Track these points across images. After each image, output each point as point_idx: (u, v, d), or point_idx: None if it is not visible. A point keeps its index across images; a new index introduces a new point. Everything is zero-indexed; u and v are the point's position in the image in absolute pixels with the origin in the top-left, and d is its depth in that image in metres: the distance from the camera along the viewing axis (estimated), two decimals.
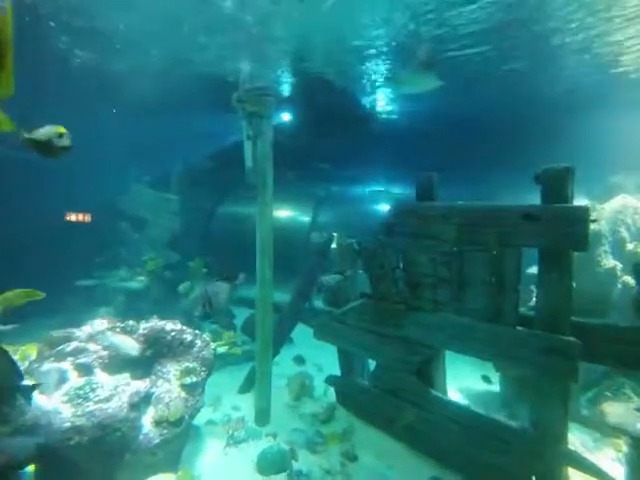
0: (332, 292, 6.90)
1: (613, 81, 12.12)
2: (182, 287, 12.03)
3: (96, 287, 12.98)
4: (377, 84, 13.78)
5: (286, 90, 14.43)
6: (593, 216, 4.97)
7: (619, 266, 8.80)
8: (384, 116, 17.41)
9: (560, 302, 4.87)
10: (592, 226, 8.05)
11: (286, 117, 17.62)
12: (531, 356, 4.94)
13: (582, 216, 4.55)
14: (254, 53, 10.67)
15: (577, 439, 6.76)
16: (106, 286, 13.08)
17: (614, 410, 6.76)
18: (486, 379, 9.38)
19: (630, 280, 8.59)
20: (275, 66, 12.21)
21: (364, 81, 13.50)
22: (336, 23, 9.36)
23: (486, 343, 5.29)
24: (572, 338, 4.73)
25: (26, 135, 3.61)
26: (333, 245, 7.50)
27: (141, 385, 5.37)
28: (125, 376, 5.41)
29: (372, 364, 7.10)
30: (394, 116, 17.42)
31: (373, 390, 6.90)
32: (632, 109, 13.05)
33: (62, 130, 3.67)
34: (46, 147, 3.62)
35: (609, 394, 7.35)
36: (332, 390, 7.87)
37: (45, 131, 3.63)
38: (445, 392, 6.45)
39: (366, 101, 15.68)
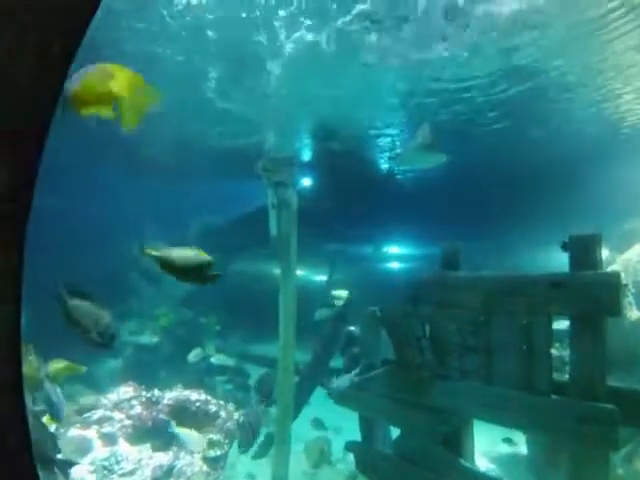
0: (354, 358, 6.81)
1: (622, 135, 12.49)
2: (193, 355, 11.65)
3: None
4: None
5: (307, 155, 14.85)
6: (623, 280, 4.99)
7: None
8: (401, 176, 17.80)
9: (595, 368, 4.79)
10: None
11: (307, 182, 17.88)
12: (567, 425, 4.77)
13: (614, 282, 4.53)
14: (279, 124, 11.08)
15: None
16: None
17: None
18: (508, 441, 9.07)
19: None
20: (297, 136, 12.64)
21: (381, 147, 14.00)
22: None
23: (519, 413, 5.15)
24: (610, 405, 4.59)
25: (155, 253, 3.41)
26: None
27: (164, 458, 5.24)
28: (147, 447, 5.29)
29: (394, 431, 6.90)
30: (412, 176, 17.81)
31: (396, 459, 6.65)
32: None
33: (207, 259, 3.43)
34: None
35: None
36: (351, 456, 7.60)
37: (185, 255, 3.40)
38: (473, 461, 6.21)
39: (384, 163, 16.11)
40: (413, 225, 17.58)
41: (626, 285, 8.64)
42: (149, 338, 13.31)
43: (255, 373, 11.30)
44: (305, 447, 8.23)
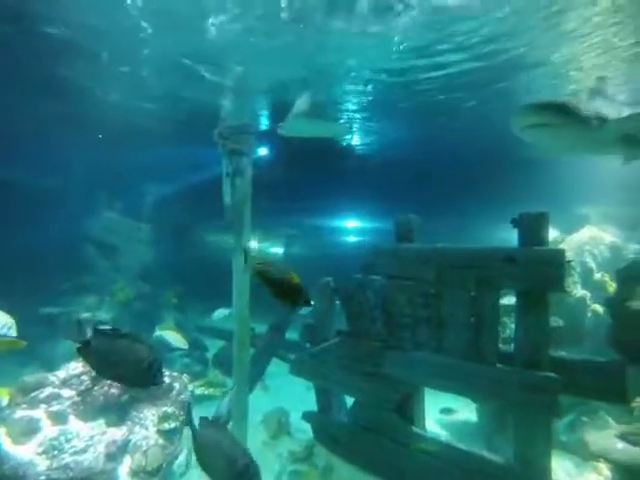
0: (309, 329, 6.86)
1: None
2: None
3: (60, 316, 12.38)
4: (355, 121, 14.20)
5: (263, 124, 14.56)
6: (567, 256, 5.18)
7: (588, 295, 9.13)
8: (360, 151, 17.78)
9: (539, 339, 5.00)
10: None
11: (263, 151, 17.65)
12: (512, 393, 5.01)
13: (559, 258, 4.70)
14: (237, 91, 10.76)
15: (559, 466, 6.86)
16: (70, 314, 12.54)
17: (595, 438, 6.94)
18: (447, 411, 9.44)
19: (599, 308, 8.95)
20: (253, 100, 12.34)
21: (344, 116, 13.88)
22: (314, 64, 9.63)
23: (466, 381, 5.35)
24: (552, 374, 4.84)
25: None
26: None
27: (117, 433, 5.17)
28: (100, 423, 5.20)
29: (350, 400, 7.07)
30: (370, 151, 17.80)
31: (352, 427, 6.83)
32: None
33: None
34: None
35: (586, 419, 7.56)
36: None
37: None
38: (424, 427, 6.46)
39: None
40: (371, 199, 17.69)
41: (571, 262, 9.02)
42: (106, 314, 12.98)
43: (212, 347, 11.33)
44: (263, 417, 8.34)
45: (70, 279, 13.59)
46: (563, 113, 4.49)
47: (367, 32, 8.28)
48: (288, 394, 9.55)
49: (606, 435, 7.04)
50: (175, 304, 12.54)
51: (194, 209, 16.03)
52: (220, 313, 10.84)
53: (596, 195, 12.56)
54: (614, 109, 5.20)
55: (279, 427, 8.04)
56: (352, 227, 20.58)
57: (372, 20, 7.90)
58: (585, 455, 7.09)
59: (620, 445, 6.59)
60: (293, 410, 8.45)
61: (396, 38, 8.62)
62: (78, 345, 2.96)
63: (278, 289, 3.54)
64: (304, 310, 5.97)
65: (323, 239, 18.10)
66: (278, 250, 16.93)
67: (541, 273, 4.77)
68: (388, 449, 6.26)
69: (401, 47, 9.03)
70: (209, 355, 11.38)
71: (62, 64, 10.25)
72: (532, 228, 4.89)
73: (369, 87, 11.47)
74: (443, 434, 8.84)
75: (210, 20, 8.00)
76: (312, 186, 17.69)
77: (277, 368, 9.04)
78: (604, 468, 6.65)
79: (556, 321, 8.22)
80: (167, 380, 5.88)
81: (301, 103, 7.61)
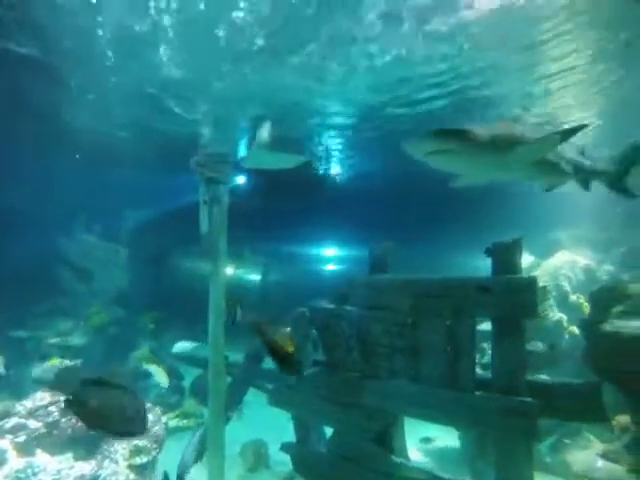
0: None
1: None
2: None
3: (29, 339, 11.95)
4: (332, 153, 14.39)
5: (242, 152, 14.62)
6: (545, 284, 5.27)
7: (565, 318, 9.27)
8: (338, 181, 17.94)
9: (515, 365, 5.04)
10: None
11: (241, 180, 17.62)
12: (491, 419, 5.00)
13: (532, 286, 4.77)
14: (215, 117, 10.80)
15: None
16: (41, 339, 12.11)
17: (577, 458, 6.96)
18: (426, 440, 9.39)
19: (576, 330, 9.08)
20: (229, 130, 12.39)
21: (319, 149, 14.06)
22: (294, 96, 9.74)
23: (445, 409, 5.33)
24: (529, 399, 4.85)
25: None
26: None
27: (86, 468, 4.96)
28: (68, 457, 5.00)
29: (329, 431, 6.95)
30: (345, 180, 17.97)
31: (331, 458, 6.71)
32: None
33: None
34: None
35: (568, 440, 7.59)
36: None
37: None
38: (406, 455, 6.38)
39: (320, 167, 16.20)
40: (348, 227, 17.85)
41: (546, 287, 9.17)
42: (79, 339, 12.60)
43: (188, 374, 11.06)
44: (241, 449, 8.12)
45: (43, 302, 13.22)
46: (461, 139, 4.33)
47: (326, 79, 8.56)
48: (268, 425, 9.31)
49: (588, 454, 7.09)
50: (151, 330, 12.26)
51: (172, 235, 15.86)
52: (180, 346, 10.78)
53: (569, 219, 12.86)
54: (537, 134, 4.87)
55: (257, 459, 7.84)
56: (329, 255, 20.81)
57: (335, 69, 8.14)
58: (569, 476, 7.12)
59: (600, 463, 6.62)
60: (273, 441, 8.26)
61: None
62: (67, 398, 2.88)
63: (272, 351, 3.48)
64: None
65: (300, 266, 18.16)
66: (255, 277, 16.89)
67: (515, 301, 4.83)
68: (369, 479, 6.16)
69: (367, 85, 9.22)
70: (185, 384, 11.09)
71: (32, 85, 10.14)
72: (505, 257, 4.98)
73: (339, 120, 11.64)
74: (425, 461, 8.76)
75: (161, 53, 8.04)
76: (289, 214, 17.75)
77: (256, 398, 8.85)
78: None
79: (535, 345, 8.29)
80: None
81: (261, 135, 7.60)
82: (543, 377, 5.47)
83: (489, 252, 4.96)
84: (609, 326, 7.29)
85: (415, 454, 8.36)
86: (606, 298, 7.64)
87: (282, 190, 16.00)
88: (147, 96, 10.01)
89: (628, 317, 7.32)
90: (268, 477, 7.52)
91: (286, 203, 17.45)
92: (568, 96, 9.99)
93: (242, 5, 6.56)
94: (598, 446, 7.36)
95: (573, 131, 4.52)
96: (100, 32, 7.52)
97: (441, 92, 9.71)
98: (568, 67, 8.68)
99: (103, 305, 13.37)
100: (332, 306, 6.18)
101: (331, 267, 20.37)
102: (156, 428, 5.68)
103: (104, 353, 12.33)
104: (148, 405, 5.93)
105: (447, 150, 4.36)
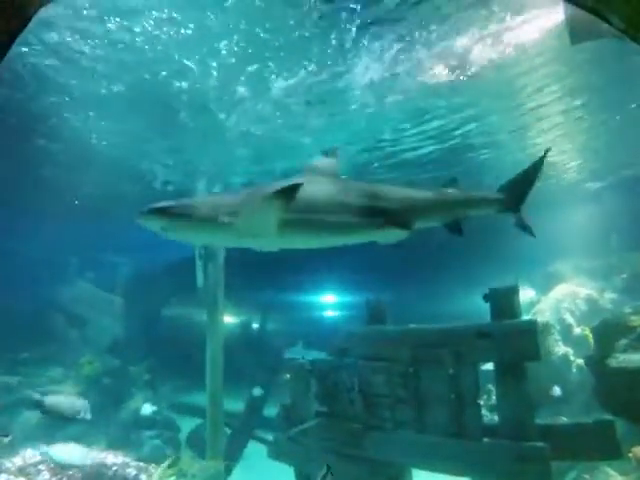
0: (285, 409, 6.58)
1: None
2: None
3: (18, 386, 11.45)
4: None
5: None
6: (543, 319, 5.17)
7: (570, 352, 9.08)
8: None
9: (522, 409, 4.92)
10: (540, 318, 8.43)
11: None
12: (502, 466, 4.82)
13: (531, 329, 4.76)
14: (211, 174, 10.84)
15: None
16: (32, 386, 11.62)
17: None
18: None
19: (583, 364, 8.86)
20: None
21: None
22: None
23: (453, 459, 5.13)
24: (540, 443, 4.69)
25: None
26: None
27: None
28: None
29: None
30: None
31: None
32: (557, 207, 14.17)
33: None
34: None
35: (587, 476, 7.35)
36: None
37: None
38: None
39: None
40: (345, 274, 17.86)
41: (549, 323, 9.05)
42: (71, 388, 12.16)
43: (187, 425, 10.64)
44: None
45: (33, 348, 12.78)
46: (177, 215, 3.83)
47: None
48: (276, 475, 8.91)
49: None
50: (146, 380, 11.86)
51: (168, 284, 15.73)
52: (146, 408, 10.63)
53: (566, 250, 12.81)
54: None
55: None
56: (326, 302, 20.93)
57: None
58: None
59: None
60: None
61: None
62: None
63: None
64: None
65: (297, 313, 18.09)
66: (255, 325, 17.00)
67: (515, 345, 4.79)
68: None
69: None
70: (181, 436, 10.62)
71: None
72: (502, 302, 4.97)
73: None
74: None
75: None
76: (286, 262, 17.68)
77: (261, 447, 8.44)
78: None
79: (555, 391, 8.13)
80: (133, 472, 5.43)
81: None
82: (555, 418, 5.30)
83: (487, 298, 4.99)
84: (614, 361, 7.19)
85: None
86: (609, 332, 7.57)
87: None
88: None
89: (633, 350, 7.24)
90: None
91: (282, 252, 17.47)
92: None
93: None
94: (617, 479, 7.10)
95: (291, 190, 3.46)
96: None
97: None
98: None
99: (96, 354, 12.98)
100: (331, 358, 6.17)
101: (329, 313, 20.40)
102: None
103: (97, 403, 11.88)
104: (141, 464, 5.67)
105: (173, 225, 3.86)
